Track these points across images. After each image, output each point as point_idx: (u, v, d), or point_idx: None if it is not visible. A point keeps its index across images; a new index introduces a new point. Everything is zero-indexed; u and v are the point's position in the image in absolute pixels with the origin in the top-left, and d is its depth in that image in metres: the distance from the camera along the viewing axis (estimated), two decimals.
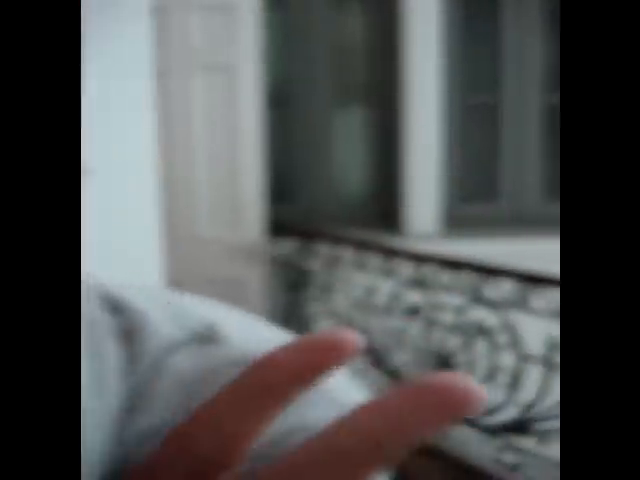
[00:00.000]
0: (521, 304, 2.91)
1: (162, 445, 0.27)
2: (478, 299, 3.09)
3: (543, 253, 4.19)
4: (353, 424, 0.24)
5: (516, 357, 2.96)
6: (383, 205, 4.78)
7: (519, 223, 4.81)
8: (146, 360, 0.43)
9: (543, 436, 2.88)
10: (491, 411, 3.08)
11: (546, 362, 2.82)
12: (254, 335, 0.47)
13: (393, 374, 3.56)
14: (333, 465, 0.24)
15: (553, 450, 2.84)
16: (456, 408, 0.23)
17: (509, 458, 3.02)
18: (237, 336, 0.46)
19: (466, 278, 3.13)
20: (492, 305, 3.03)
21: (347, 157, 4.81)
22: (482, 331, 3.08)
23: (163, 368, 0.43)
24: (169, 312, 0.47)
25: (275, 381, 0.26)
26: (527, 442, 2.98)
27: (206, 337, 0.45)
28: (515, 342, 2.96)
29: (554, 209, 4.88)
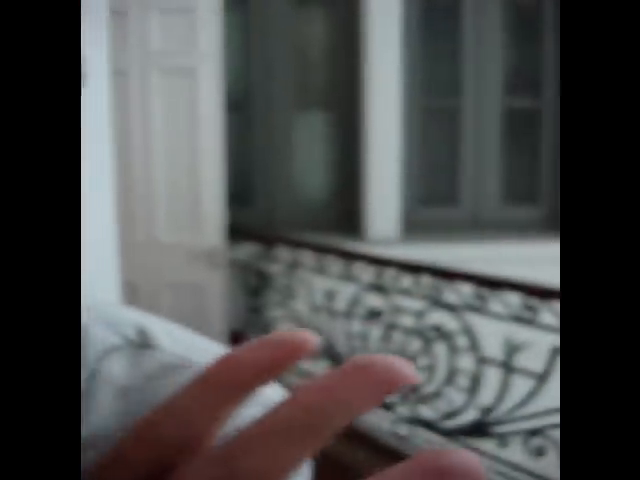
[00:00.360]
0: (479, 308, 2.92)
1: (129, 432, 0.28)
2: (437, 303, 3.10)
3: (502, 257, 4.24)
4: (302, 399, 0.27)
5: (475, 360, 2.97)
6: (343, 209, 4.78)
7: (478, 227, 4.84)
8: (83, 368, 0.44)
9: (502, 439, 2.89)
10: (451, 414, 3.10)
11: (504, 365, 2.83)
12: (182, 341, 0.49)
13: None
14: (284, 437, 0.26)
15: (512, 453, 2.86)
16: (392, 384, 0.26)
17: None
18: (167, 342, 0.48)
19: (425, 282, 3.14)
20: (451, 309, 3.04)
21: (307, 161, 4.80)
22: (441, 334, 3.10)
23: (99, 376, 0.44)
24: (102, 320, 0.48)
25: (240, 376, 0.27)
26: (486, 445, 2.99)
27: (138, 343, 0.46)
28: (474, 345, 2.97)
29: (513, 213, 4.92)
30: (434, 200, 4.89)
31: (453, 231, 4.74)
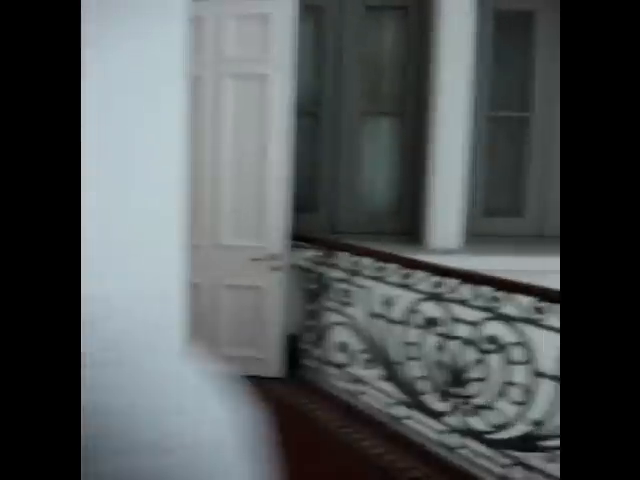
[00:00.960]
0: (536, 320, 2.91)
1: None
2: (494, 314, 3.09)
3: None
4: None
5: (529, 373, 2.96)
6: (406, 218, 4.79)
7: (543, 239, 4.80)
8: None
9: (552, 454, 2.87)
10: (501, 427, 3.09)
11: (558, 379, 2.81)
12: None
13: (408, 387, 3.57)
14: None
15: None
16: None
17: (517, 474, 3.01)
18: None
19: (483, 293, 3.14)
20: (508, 320, 3.03)
21: (373, 168, 4.83)
22: (497, 346, 3.09)
23: None
24: None
25: None
26: (535, 459, 2.97)
27: None
28: (529, 358, 2.96)
29: None
30: (499, 211, 4.87)
31: (517, 243, 4.71)
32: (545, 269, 4.07)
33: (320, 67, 4.71)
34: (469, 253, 4.42)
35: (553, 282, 2.96)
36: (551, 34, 4.72)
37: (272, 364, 4.22)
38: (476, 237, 4.71)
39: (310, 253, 4.18)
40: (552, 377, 2.84)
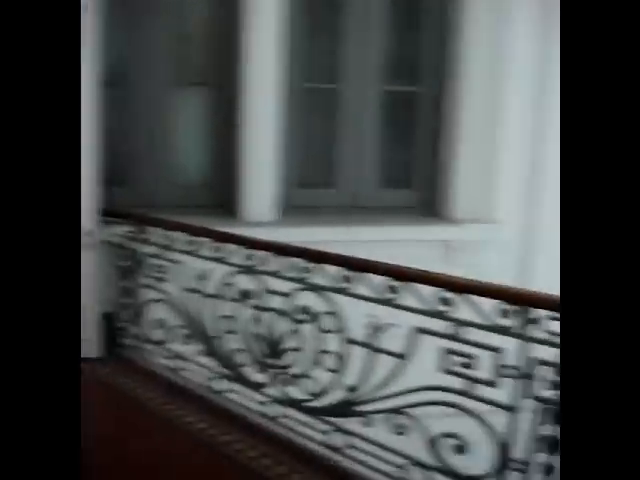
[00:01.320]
0: (345, 289, 2.97)
1: None
2: (305, 284, 3.13)
3: (377, 239, 4.31)
4: None
5: (341, 341, 3.02)
6: (220, 190, 4.75)
7: (355, 210, 4.90)
8: None
9: (367, 418, 2.95)
10: (318, 394, 3.14)
11: (368, 346, 2.89)
12: None
13: (227, 360, 3.56)
14: None
15: (377, 431, 2.92)
16: None
17: (336, 440, 3.08)
18: None
19: (294, 264, 3.16)
20: (318, 290, 3.07)
21: (185, 140, 4.74)
22: (310, 316, 3.13)
23: None
24: None
25: None
26: (352, 424, 3.05)
27: None
28: (340, 326, 3.01)
29: (389, 197, 5.01)
30: (312, 183, 4.92)
31: (330, 214, 4.78)
32: (357, 239, 4.20)
33: (128, 35, 4.54)
34: (284, 225, 4.45)
35: (364, 251, 3.04)
36: (359, 3, 4.77)
37: (88, 344, 4.08)
38: (292, 208, 4.73)
39: (122, 229, 4.06)
40: (362, 344, 2.90)
